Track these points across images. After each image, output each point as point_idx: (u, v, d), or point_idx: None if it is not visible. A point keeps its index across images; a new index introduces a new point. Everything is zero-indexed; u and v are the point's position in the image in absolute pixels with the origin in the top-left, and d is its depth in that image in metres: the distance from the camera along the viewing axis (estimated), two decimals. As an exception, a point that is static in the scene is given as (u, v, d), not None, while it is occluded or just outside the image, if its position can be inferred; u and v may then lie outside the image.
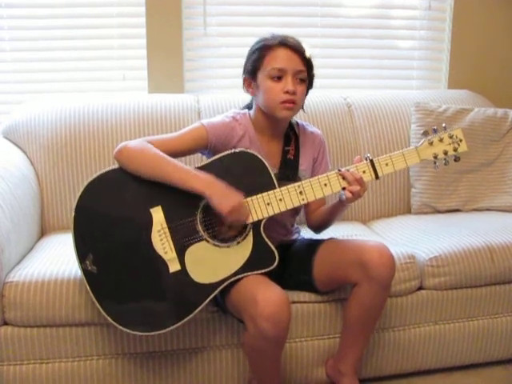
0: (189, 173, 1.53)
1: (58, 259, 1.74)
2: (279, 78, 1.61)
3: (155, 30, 2.44)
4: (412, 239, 1.99)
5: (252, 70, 1.66)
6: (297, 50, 1.62)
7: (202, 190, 1.51)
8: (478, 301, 1.89)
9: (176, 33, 2.48)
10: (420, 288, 1.85)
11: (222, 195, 1.50)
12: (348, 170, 1.56)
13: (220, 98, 2.29)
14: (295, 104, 1.63)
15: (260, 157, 1.58)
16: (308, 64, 1.65)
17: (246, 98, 2.16)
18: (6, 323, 1.62)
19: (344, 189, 1.56)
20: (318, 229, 1.80)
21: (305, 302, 1.74)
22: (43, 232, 2.10)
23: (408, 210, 2.33)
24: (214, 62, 2.59)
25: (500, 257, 1.86)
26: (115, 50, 2.49)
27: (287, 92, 1.60)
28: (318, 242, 1.72)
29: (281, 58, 1.61)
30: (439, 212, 2.29)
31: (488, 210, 2.31)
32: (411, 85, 2.78)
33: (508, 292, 1.91)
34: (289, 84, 1.60)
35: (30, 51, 2.45)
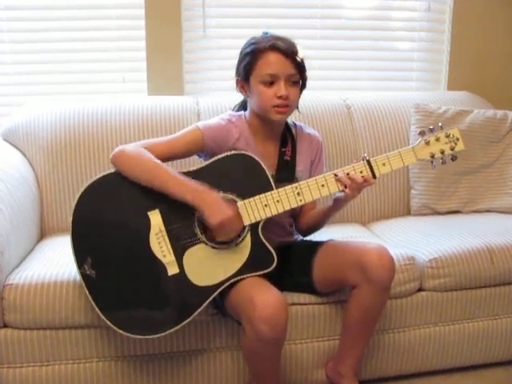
0: (182, 183, 1.51)
1: (57, 261, 1.74)
2: (271, 83, 1.60)
3: (155, 33, 2.44)
4: (412, 241, 1.99)
5: (244, 74, 1.65)
6: (288, 53, 1.60)
7: (193, 202, 1.50)
8: (477, 302, 1.89)
9: (175, 35, 2.48)
10: (420, 289, 1.85)
11: (212, 208, 1.49)
12: (348, 174, 1.56)
13: (219, 99, 2.29)
14: (288, 107, 1.63)
15: (257, 158, 1.58)
16: (300, 66, 1.64)
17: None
18: (5, 325, 1.62)
19: (345, 187, 1.56)
20: (307, 231, 1.80)
21: (304, 304, 1.74)
22: (43, 234, 2.10)
23: (408, 212, 2.33)
24: (213, 63, 2.59)
25: (500, 258, 1.86)
26: (115, 52, 2.49)
27: (280, 97, 1.59)
28: (318, 244, 1.72)
29: (272, 64, 1.60)
30: (439, 213, 2.29)
31: (488, 211, 2.31)
32: (411, 86, 2.79)
33: (508, 293, 1.91)
34: (281, 89, 1.59)
35: (29, 53, 2.45)
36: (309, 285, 1.70)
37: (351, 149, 2.30)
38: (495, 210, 2.30)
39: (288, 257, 1.71)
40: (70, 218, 1.54)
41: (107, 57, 2.49)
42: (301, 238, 1.84)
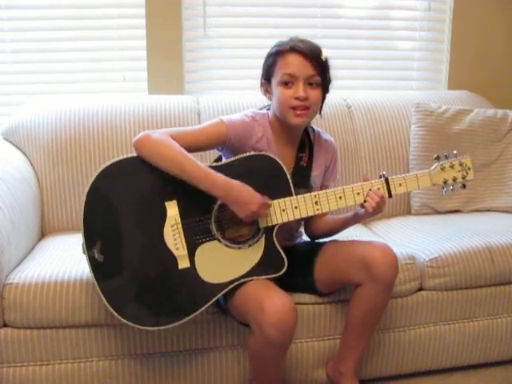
0: (208, 175, 1.49)
1: (57, 261, 1.74)
2: (290, 84, 1.59)
3: (155, 32, 2.44)
4: (412, 240, 1.99)
5: (266, 76, 1.65)
6: (308, 54, 1.58)
7: (220, 196, 1.50)
8: (477, 301, 1.89)
9: (176, 34, 2.48)
10: (420, 289, 1.85)
11: (239, 202, 1.49)
12: (370, 190, 1.58)
13: (220, 99, 2.29)
14: (308, 110, 1.60)
15: (281, 163, 1.56)
16: (322, 68, 1.62)
17: (247, 99, 2.16)
18: (5, 325, 1.62)
19: (365, 202, 1.57)
20: (318, 237, 1.80)
21: (305, 304, 1.74)
22: (43, 233, 2.10)
23: (408, 211, 2.33)
24: (213, 63, 2.58)
25: (500, 258, 1.86)
26: (115, 51, 2.49)
27: (298, 98, 1.58)
28: (320, 245, 1.72)
29: (291, 64, 1.59)
30: (439, 213, 2.29)
31: (488, 210, 2.31)
32: (411, 86, 2.79)
33: (508, 293, 1.91)
34: (300, 90, 1.57)
35: (30, 53, 2.45)
36: (310, 286, 1.70)
37: (352, 148, 2.30)
38: (495, 210, 2.30)
39: (290, 258, 1.70)
40: (84, 198, 1.49)
41: (108, 56, 2.50)
42: (303, 240, 1.84)
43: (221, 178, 1.50)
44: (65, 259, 1.73)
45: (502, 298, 1.91)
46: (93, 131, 2.13)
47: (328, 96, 2.37)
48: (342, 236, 1.80)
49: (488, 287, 1.89)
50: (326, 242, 1.72)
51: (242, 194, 1.49)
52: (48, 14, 2.43)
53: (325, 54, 1.64)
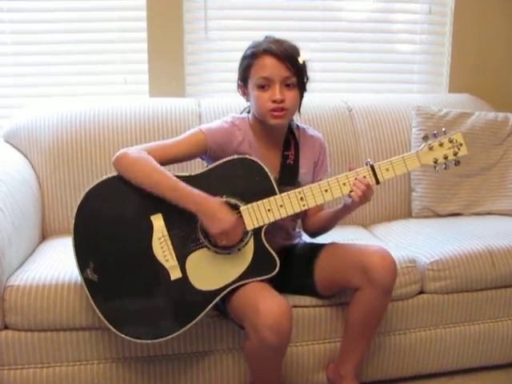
0: (183, 191, 1.50)
1: (58, 263, 1.74)
2: (267, 87, 1.59)
3: (156, 34, 2.45)
4: (413, 243, 1.99)
5: (243, 78, 1.65)
6: (281, 56, 1.57)
7: (194, 210, 1.50)
8: (478, 305, 1.88)
9: (177, 37, 2.48)
10: (421, 292, 1.85)
11: (213, 217, 1.49)
12: (355, 179, 1.56)
13: (221, 101, 2.30)
14: (285, 111, 1.60)
15: (260, 163, 1.57)
16: (298, 68, 1.61)
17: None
18: (6, 327, 1.62)
19: (351, 191, 1.56)
20: (314, 234, 1.79)
21: (306, 307, 1.74)
22: (44, 236, 2.10)
23: (409, 214, 2.33)
24: (215, 65, 2.59)
25: (501, 261, 1.86)
26: (116, 53, 2.50)
27: (275, 101, 1.58)
28: (320, 246, 1.71)
29: (266, 67, 1.58)
30: (440, 216, 2.29)
31: (489, 213, 2.30)
32: (412, 89, 2.79)
33: (509, 296, 1.91)
34: (276, 93, 1.57)
35: (31, 55, 2.46)
36: (310, 287, 1.69)
37: (352, 151, 2.30)
38: (496, 213, 2.30)
39: (290, 259, 1.71)
40: (72, 223, 1.54)
41: (109, 59, 2.50)
42: (303, 240, 1.84)
43: (196, 193, 1.50)
44: (66, 262, 1.73)
45: (503, 301, 1.91)
46: (94, 134, 2.13)
47: (329, 98, 2.41)
48: (343, 238, 1.80)
49: (489, 290, 1.89)
50: (326, 244, 1.71)
51: (215, 210, 1.49)
52: (49, 17, 2.44)
53: (302, 54, 1.62)
